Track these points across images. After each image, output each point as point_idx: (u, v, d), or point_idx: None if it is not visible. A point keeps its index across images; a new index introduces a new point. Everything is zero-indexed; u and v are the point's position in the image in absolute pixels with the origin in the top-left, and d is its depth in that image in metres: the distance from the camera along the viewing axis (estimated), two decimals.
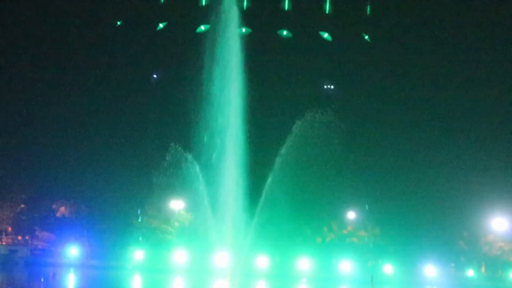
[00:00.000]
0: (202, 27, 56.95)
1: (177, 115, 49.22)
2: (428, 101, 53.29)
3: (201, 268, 42.13)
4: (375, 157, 48.13)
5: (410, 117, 52.13)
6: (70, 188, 48.48)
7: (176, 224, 44.99)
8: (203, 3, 57.60)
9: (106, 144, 48.64)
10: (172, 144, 43.59)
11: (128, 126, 50.65)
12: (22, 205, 48.20)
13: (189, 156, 42.98)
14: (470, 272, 40.98)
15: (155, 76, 58.68)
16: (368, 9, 57.04)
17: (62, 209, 49.19)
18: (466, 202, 41.96)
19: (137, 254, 43.23)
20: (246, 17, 47.14)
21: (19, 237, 49.86)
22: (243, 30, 55.02)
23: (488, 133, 48.61)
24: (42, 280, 43.18)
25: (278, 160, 43.37)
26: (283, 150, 43.47)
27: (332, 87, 56.71)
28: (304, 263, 42.65)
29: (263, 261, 42.60)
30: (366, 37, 57.25)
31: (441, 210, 43.46)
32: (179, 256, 43.06)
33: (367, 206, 46.14)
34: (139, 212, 45.99)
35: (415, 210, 44.23)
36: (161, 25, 59.19)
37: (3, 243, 48.55)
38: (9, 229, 48.69)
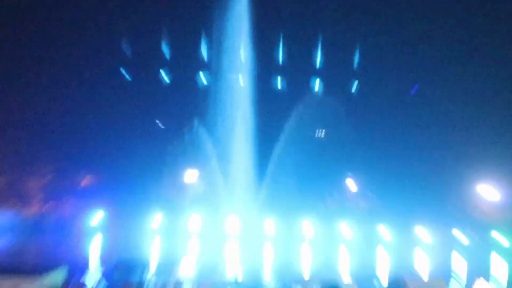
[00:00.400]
0: None
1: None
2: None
3: (214, 232, 46.70)
4: (371, 126, 51.78)
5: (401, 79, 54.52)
6: (93, 160, 52.70)
7: (191, 192, 49.28)
8: None
9: (122, 121, 52.24)
10: (187, 120, 47.77)
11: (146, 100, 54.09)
12: (50, 176, 52.45)
13: (202, 130, 47.36)
14: (456, 232, 45.12)
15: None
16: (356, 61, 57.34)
17: (87, 179, 53.44)
18: (455, 167, 46.09)
19: (156, 219, 47.70)
20: None
21: (48, 205, 54.28)
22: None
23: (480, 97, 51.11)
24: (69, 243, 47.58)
25: (284, 132, 47.67)
26: (289, 124, 47.60)
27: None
28: (308, 227, 47.04)
29: (270, 225, 47.02)
30: (354, 86, 58.10)
31: (433, 176, 47.59)
32: (194, 221, 47.42)
33: (349, 173, 50.58)
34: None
35: (410, 177, 48.44)
36: None
37: (33, 210, 53.06)
38: (38, 197, 53.06)
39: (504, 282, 37.42)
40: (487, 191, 44.25)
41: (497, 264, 41.22)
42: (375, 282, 41.72)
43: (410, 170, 48.75)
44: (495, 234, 42.95)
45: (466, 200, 45.15)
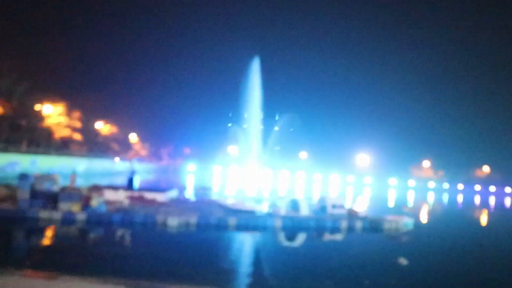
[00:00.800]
0: None
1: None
2: None
3: (244, 176, 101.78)
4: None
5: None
6: (191, 141, 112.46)
7: (233, 154, 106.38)
8: None
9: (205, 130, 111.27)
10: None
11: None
12: (171, 147, 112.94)
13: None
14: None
15: None
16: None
17: (187, 149, 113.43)
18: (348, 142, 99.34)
19: (216, 169, 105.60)
20: None
21: (170, 160, 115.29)
22: None
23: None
24: (179, 177, 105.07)
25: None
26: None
27: None
28: (284, 174, 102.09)
29: (267, 172, 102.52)
30: None
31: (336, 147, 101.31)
32: (234, 170, 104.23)
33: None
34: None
35: (328, 151, 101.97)
36: None
37: (163, 163, 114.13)
38: (166, 156, 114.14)
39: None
40: (362, 157, 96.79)
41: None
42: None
43: (328, 145, 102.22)
44: (368, 179, 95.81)
45: (351, 159, 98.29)
